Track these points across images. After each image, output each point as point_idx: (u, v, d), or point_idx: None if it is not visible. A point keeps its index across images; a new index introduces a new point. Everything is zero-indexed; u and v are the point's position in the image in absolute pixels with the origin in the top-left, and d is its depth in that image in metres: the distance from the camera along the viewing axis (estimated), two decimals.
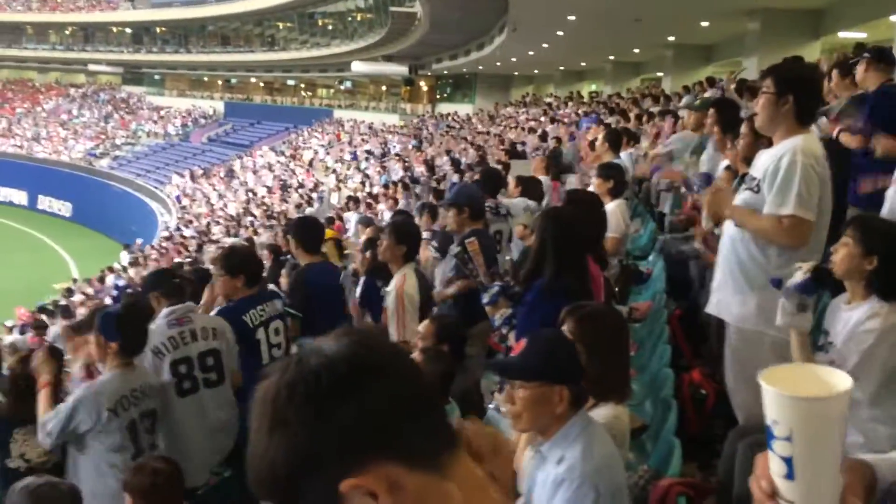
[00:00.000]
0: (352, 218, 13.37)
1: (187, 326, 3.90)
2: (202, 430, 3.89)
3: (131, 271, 20.03)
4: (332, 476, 0.83)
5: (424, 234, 5.94)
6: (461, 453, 0.91)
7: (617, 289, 5.05)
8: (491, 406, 3.44)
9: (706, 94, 12.22)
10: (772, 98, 3.01)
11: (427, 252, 5.73)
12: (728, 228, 3.20)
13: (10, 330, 15.55)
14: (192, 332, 3.91)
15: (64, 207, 36.44)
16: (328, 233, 10.57)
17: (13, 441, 3.69)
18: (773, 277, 2.63)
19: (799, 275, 2.51)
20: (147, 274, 4.55)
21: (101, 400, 3.36)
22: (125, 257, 23.29)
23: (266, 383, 0.87)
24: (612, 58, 25.37)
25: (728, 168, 4.70)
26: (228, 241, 18.35)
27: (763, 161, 3.07)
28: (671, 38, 19.87)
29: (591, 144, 9.20)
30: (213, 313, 4.34)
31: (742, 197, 3.12)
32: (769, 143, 3.16)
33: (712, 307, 3.27)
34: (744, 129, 4.19)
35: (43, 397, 3.46)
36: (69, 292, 19.58)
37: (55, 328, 12.52)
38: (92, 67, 46.82)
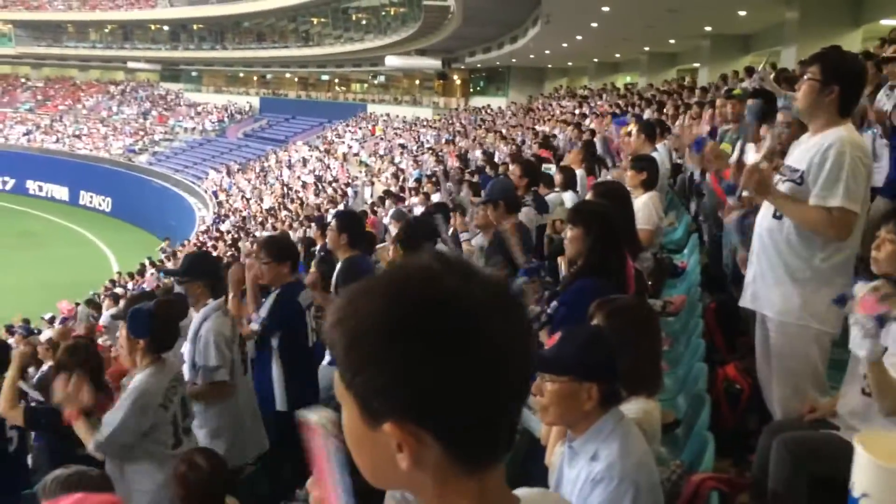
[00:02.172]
0: (389, 212, 13.42)
1: (230, 314, 4.16)
2: (253, 410, 4.14)
3: (169, 265, 20.35)
4: (382, 406, 0.82)
5: (464, 236, 5.97)
6: (501, 466, 0.89)
7: (651, 282, 4.99)
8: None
9: (743, 84, 12.00)
10: (816, 86, 2.94)
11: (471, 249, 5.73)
12: (764, 220, 3.14)
13: (51, 322, 15.89)
14: (233, 321, 4.16)
15: (104, 202, 37.21)
16: None
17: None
18: (840, 295, 2.39)
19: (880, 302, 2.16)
20: (194, 258, 4.59)
21: (153, 399, 3.45)
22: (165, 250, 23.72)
23: (408, 276, 0.85)
24: (647, 49, 25.04)
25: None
26: (265, 234, 18.56)
27: (804, 151, 3.00)
28: (708, 28, 19.54)
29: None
30: (273, 296, 4.39)
31: (783, 189, 3.05)
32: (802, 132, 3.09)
33: (747, 301, 3.21)
34: (784, 117, 4.10)
35: (80, 426, 3.45)
36: (112, 284, 19.98)
37: (103, 318, 12.75)
38: (131, 65, 47.65)
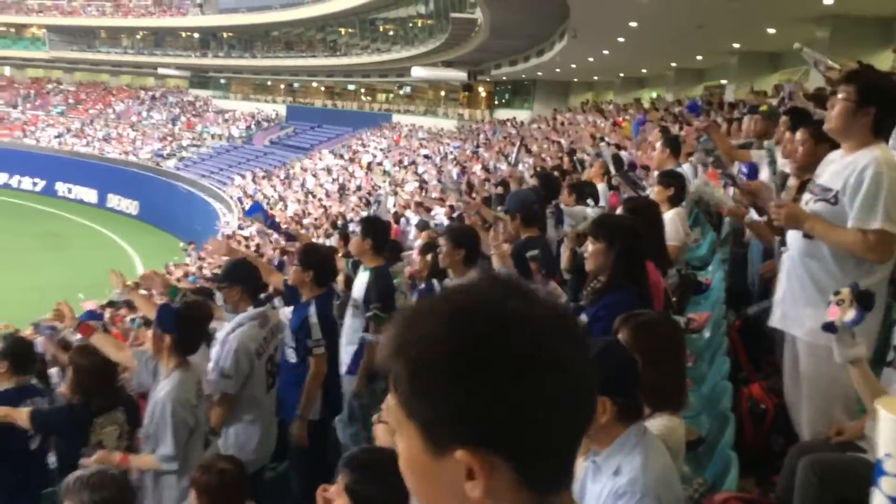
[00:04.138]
0: (412, 219, 13.46)
1: (269, 325, 4.17)
2: (273, 419, 4.18)
3: (193, 267, 20.52)
4: (451, 434, 0.80)
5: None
6: (569, 492, 0.88)
7: (675, 298, 4.96)
8: None
9: (773, 102, 11.91)
10: (851, 107, 2.90)
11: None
12: (794, 241, 3.10)
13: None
14: (271, 330, 4.19)
15: (131, 206, 37.65)
16: None
17: (92, 430, 3.82)
18: (825, 322, 2.46)
19: (851, 312, 2.33)
20: (234, 263, 4.59)
21: (189, 399, 3.48)
22: (189, 253, 23.93)
23: (476, 299, 0.83)
24: (674, 65, 24.95)
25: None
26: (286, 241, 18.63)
27: (838, 171, 2.96)
28: (736, 45, 19.43)
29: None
30: (313, 309, 4.40)
31: (816, 208, 3.01)
32: (829, 150, 3.06)
33: (776, 321, 3.18)
34: (802, 135, 4.06)
35: (141, 463, 3.52)
36: (136, 286, 20.14)
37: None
38: (161, 71, 48.30)
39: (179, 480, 3.43)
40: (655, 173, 6.52)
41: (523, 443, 0.80)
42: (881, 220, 2.79)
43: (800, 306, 3.03)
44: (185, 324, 3.57)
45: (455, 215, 11.04)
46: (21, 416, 3.88)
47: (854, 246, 2.87)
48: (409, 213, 15.01)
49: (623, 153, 11.62)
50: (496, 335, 0.80)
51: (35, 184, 40.92)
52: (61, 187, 40.32)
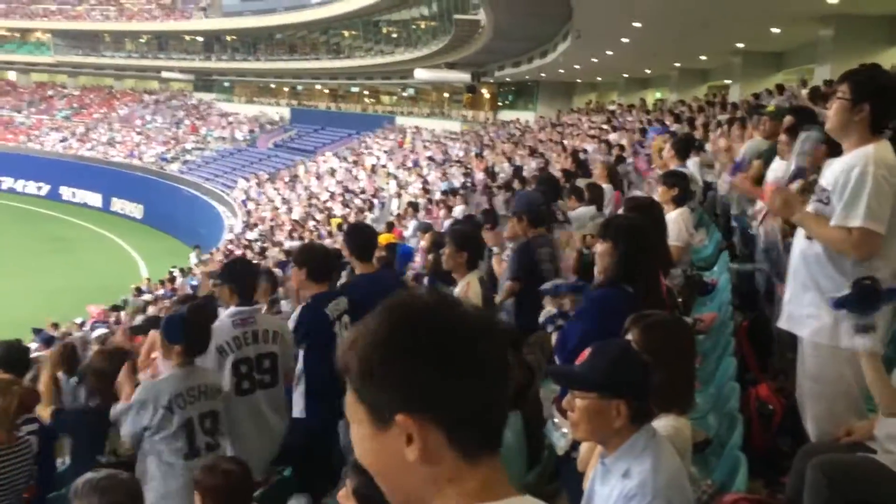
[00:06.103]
0: (411, 224, 13.47)
1: (250, 328, 4.03)
2: (256, 429, 4.02)
3: (199, 272, 20.55)
4: (394, 400, 1.00)
5: (496, 249, 5.98)
6: (498, 456, 1.05)
7: (681, 299, 4.94)
8: (556, 419, 3.36)
9: (775, 102, 11.90)
10: (847, 105, 2.89)
11: (502, 265, 5.73)
12: (799, 242, 3.10)
13: (80, 327, 16.09)
14: (254, 334, 4.04)
15: (136, 210, 37.70)
16: (387, 237, 10.68)
17: (107, 437, 3.81)
18: (831, 298, 2.48)
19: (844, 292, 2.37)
20: (229, 262, 4.62)
21: (159, 397, 3.45)
22: (194, 258, 23.95)
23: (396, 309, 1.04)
24: (678, 65, 24.91)
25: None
26: (290, 244, 18.66)
27: (833, 171, 2.96)
28: (740, 45, 19.40)
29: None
30: (299, 308, 4.36)
31: (811, 208, 3.01)
32: (838, 153, 3.04)
33: (784, 321, 3.16)
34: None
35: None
36: (139, 291, 20.20)
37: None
38: (165, 75, 48.41)
39: (159, 480, 3.44)
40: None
41: (448, 407, 1.00)
42: (862, 218, 2.78)
43: (803, 307, 3.02)
44: (192, 330, 3.58)
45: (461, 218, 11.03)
46: (45, 411, 3.99)
47: (837, 242, 2.86)
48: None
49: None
50: (417, 323, 1.01)
51: (39, 188, 41.03)
52: (66, 191, 40.40)
